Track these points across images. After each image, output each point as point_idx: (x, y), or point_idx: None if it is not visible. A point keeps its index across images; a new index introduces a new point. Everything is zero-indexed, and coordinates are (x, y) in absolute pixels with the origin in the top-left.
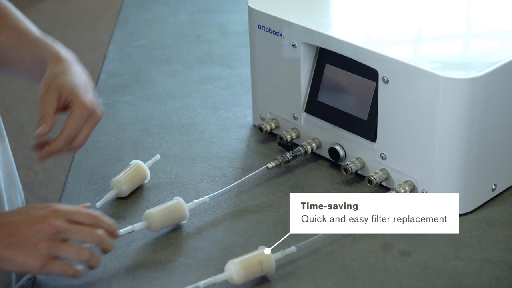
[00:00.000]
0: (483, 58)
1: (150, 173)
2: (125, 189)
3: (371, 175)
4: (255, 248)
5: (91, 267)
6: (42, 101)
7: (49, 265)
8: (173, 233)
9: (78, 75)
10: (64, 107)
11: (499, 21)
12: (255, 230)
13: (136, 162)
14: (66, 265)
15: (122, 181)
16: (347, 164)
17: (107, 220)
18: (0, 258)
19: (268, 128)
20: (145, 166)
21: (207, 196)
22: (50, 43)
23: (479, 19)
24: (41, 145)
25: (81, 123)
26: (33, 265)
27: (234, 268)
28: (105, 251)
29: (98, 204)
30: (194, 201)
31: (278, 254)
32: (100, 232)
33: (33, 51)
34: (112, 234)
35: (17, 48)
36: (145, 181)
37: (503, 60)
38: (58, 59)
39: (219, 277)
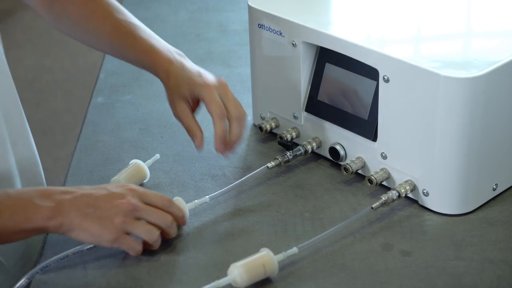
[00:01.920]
0: (483, 57)
1: (150, 172)
2: None
3: (371, 175)
4: (255, 248)
5: (152, 248)
6: (178, 116)
7: (120, 239)
8: None
9: (187, 69)
10: (196, 102)
11: (500, 20)
12: (255, 230)
13: (135, 161)
14: (135, 242)
15: (121, 181)
16: (347, 164)
17: (178, 206)
18: (76, 226)
19: (268, 127)
20: (144, 166)
21: (207, 196)
22: (155, 47)
23: (480, 18)
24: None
25: (217, 101)
26: (106, 237)
27: (238, 272)
28: (168, 236)
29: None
30: (195, 201)
31: (280, 256)
32: (170, 216)
33: (138, 57)
34: (180, 220)
35: (121, 47)
36: (144, 181)
37: (504, 59)
38: (167, 73)
39: (223, 281)
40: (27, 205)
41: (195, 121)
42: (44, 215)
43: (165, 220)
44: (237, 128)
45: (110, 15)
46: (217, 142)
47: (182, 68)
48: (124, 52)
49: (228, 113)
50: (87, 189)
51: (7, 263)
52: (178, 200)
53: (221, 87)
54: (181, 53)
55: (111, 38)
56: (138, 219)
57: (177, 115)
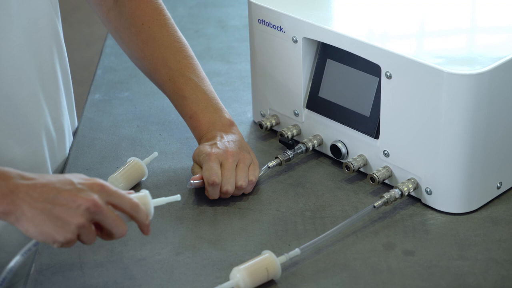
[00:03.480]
0: (488, 53)
1: (148, 170)
2: (122, 187)
3: (373, 173)
4: (255, 247)
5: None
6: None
7: (71, 243)
8: (171, 232)
9: (211, 141)
10: None
11: (504, 16)
12: (255, 229)
13: (133, 159)
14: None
15: (119, 179)
16: (349, 162)
17: (145, 213)
18: (27, 220)
19: (268, 124)
20: (142, 164)
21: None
22: (197, 117)
23: (484, 14)
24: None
25: (209, 169)
26: (58, 239)
27: (240, 275)
28: (111, 238)
29: None
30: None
31: (283, 258)
32: (126, 230)
33: (183, 117)
34: (145, 229)
35: (171, 99)
36: (142, 179)
37: (508, 55)
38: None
39: (225, 286)
40: None
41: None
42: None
43: (121, 233)
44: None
45: (167, 64)
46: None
47: (209, 140)
48: (174, 104)
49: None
50: (50, 178)
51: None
52: (145, 196)
53: (225, 155)
54: (228, 121)
55: (163, 87)
56: (95, 222)
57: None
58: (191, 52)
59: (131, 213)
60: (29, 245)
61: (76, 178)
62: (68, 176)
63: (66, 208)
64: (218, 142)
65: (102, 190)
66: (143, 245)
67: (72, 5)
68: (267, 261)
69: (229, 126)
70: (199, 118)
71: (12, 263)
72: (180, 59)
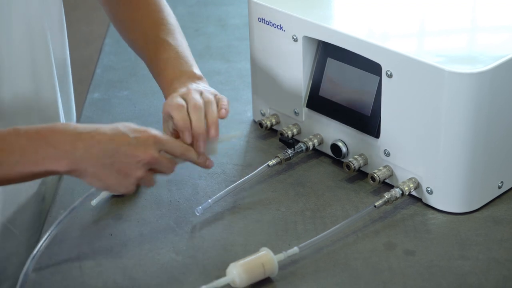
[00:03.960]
0: (489, 52)
1: None
2: None
3: (374, 172)
4: (255, 247)
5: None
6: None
7: (133, 190)
8: (170, 232)
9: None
10: None
11: (505, 15)
12: (255, 229)
13: None
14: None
15: None
16: (349, 161)
17: (195, 153)
18: (91, 175)
19: (268, 123)
20: None
21: (209, 200)
22: (166, 72)
23: (485, 12)
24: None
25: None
26: (120, 190)
27: (236, 272)
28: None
29: (94, 202)
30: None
31: (281, 256)
32: (174, 167)
33: (155, 77)
34: (202, 164)
35: (147, 63)
36: None
37: (509, 54)
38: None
39: (221, 281)
40: (38, 148)
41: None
42: (55, 159)
43: (170, 172)
44: (193, 116)
45: (146, 31)
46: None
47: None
48: (149, 69)
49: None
50: (106, 131)
51: (21, 237)
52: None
53: (187, 91)
54: (197, 75)
55: (142, 54)
56: (152, 169)
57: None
58: (170, 18)
59: (183, 157)
60: (90, 191)
61: (130, 131)
62: (122, 129)
63: (126, 163)
64: (180, 89)
65: (156, 141)
66: (143, 244)
67: (71, 4)
68: (264, 258)
69: (196, 79)
70: (167, 71)
71: (76, 203)
72: (158, 24)
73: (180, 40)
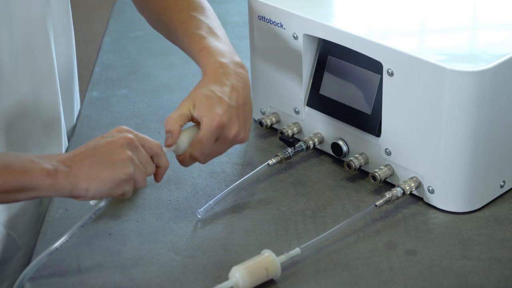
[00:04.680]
0: (491, 50)
1: None
2: None
3: (375, 171)
4: (255, 247)
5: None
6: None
7: (132, 178)
8: (170, 232)
9: (217, 88)
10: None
11: (507, 13)
12: (255, 228)
13: None
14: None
15: None
16: (350, 160)
17: (166, 160)
18: (84, 178)
19: (268, 122)
20: None
21: (211, 202)
22: (208, 49)
23: (487, 10)
24: None
25: (208, 141)
26: (120, 177)
27: (240, 275)
28: (135, 186)
29: (92, 202)
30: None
31: (283, 257)
32: (154, 169)
33: (193, 56)
34: (160, 175)
35: (182, 44)
36: None
37: (511, 52)
38: (208, 77)
39: (224, 285)
40: (25, 162)
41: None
42: (43, 173)
43: (149, 169)
44: (181, 161)
45: (182, 10)
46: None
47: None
48: (185, 48)
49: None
50: (80, 147)
51: (20, 241)
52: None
53: (224, 138)
54: (239, 62)
55: (177, 32)
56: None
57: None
58: (207, 4)
59: (154, 155)
60: (96, 208)
61: (105, 134)
62: (97, 137)
63: (108, 152)
64: (225, 96)
65: (130, 131)
66: (142, 244)
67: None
68: (267, 260)
69: (239, 67)
70: (210, 48)
71: (80, 222)
72: (195, 7)
73: (217, 24)
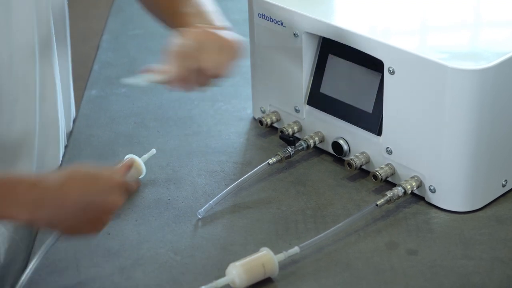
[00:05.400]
0: (492, 49)
1: (146, 168)
2: None
3: (376, 171)
4: (255, 247)
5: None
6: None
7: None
8: (169, 231)
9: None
10: None
11: (509, 10)
12: (255, 228)
13: (131, 156)
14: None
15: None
16: (351, 159)
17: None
18: (65, 229)
19: (268, 121)
20: (140, 161)
21: (211, 202)
22: (188, 17)
23: (489, 8)
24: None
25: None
26: (93, 235)
27: (236, 272)
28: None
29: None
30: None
31: (281, 256)
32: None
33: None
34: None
35: (164, 16)
36: (140, 177)
37: None
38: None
39: (221, 282)
40: (7, 192)
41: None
42: (21, 212)
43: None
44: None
45: None
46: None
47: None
48: (170, 28)
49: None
50: (73, 185)
51: (22, 244)
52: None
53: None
54: (221, 26)
55: (164, 12)
56: None
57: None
58: None
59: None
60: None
61: (96, 178)
62: (83, 179)
63: (97, 214)
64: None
65: (121, 186)
66: (141, 244)
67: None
68: (264, 258)
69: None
70: (190, 23)
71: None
72: None
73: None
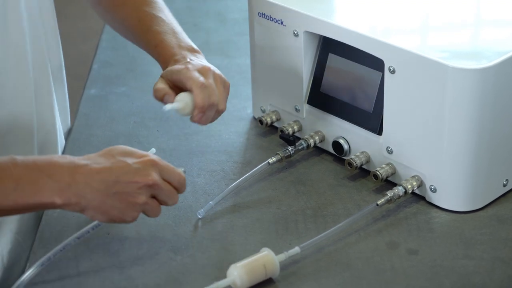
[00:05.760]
0: (493, 48)
1: None
2: None
3: (376, 170)
4: (255, 246)
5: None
6: (155, 91)
7: (135, 219)
8: (169, 231)
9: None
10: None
11: (510, 9)
12: (255, 228)
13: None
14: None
15: None
16: (351, 159)
17: (185, 187)
18: (94, 208)
19: (268, 120)
20: None
21: (211, 202)
22: (164, 43)
23: (489, 7)
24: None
25: (194, 76)
26: (125, 219)
27: (238, 273)
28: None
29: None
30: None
31: (282, 256)
32: (178, 198)
33: (150, 51)
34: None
35: (140, 40)
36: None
37: None
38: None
39: (222, 283)
40: (36, 179)
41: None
42: (54, 192)
43: (174, 201)
44: (215, 96)
45: (138, 7)
46: (197, 112)
47: (177, 62)
48: (142, 45)
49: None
50: (103, 162)
51: (25, 244)
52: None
53: (204, 69)
54: (195, 49)
55: (134, 30)
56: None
57: (155, 93)
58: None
59: (178, 187)
60: (92, 224)
61: (128, 156)
62: (118, 156)
63: (128, 190)
64: (191, 60)
65: (156, 165)
66: (141, 244)
67: None
68: (265, 258)
69: (196, 52)
70: (167, 42)
71: (76, 234)
72: (149, 2)
73: (171, 18)
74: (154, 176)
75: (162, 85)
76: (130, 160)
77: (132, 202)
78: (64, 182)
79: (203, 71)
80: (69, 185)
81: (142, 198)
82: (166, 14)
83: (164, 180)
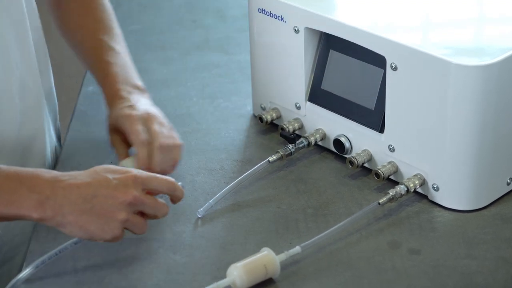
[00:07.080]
0: (497, 44)
1: None
2: None
3: (378, 168)
4: (255, 246)
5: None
6: (113, 146)
7: (119, 237)
8: (168, 230)
9: (126, 102)
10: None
11: None
12: (255, 227)
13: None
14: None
15: (129, 165)
16: (353, 157)
17: (181, 188)
18: (70, 223)
19: (269, 118)
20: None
21: (210, 201)
22: (110, 75)
23: (492, 3)
24: None
25: (137, 130)
26: (105, 236)
27: (237, 273)
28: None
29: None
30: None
31: (282, 256)
32: (167, 208)
33: (98, 81)
34: (176, 200)
35: (91, 68)
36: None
37: None
38: (110, 103)
39: (221, 283)
40: (14, 189)
41: (126, 151)
42: (31, 204)
43: (163, 214)
44: (158, 157)
45: (94, 34)
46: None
47: (122, 101)
48: (92, 72)
49: (152, 142)
50: (83, 178)
51: (5, 237)
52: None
53: (148, 118)
54: (142, 87)
55: (86, 56)
56: (138, 211)
57: (112, 145)
58: (117, 27)
59: (169, 193)
60: (71, 241)
61: (109, 173)
62: (101, 172)
63: (107, 205)
64: (135, 102)
65: (136, 181)
66: (139, 243)
67: None
68: (266, 258)
69: (141, 91)
70: (114, 75)
71: (53, 251)
72: (104, 29)
73: (125, 51)
74: (134, 192)
75: (112, 137)
76: (111, 176)
77: (111, 218)
78: (43, 194)
79: (147, 119)
80: (47, 197)
81: (122, 214)
82: (121, 46)
83: (153, 190)
